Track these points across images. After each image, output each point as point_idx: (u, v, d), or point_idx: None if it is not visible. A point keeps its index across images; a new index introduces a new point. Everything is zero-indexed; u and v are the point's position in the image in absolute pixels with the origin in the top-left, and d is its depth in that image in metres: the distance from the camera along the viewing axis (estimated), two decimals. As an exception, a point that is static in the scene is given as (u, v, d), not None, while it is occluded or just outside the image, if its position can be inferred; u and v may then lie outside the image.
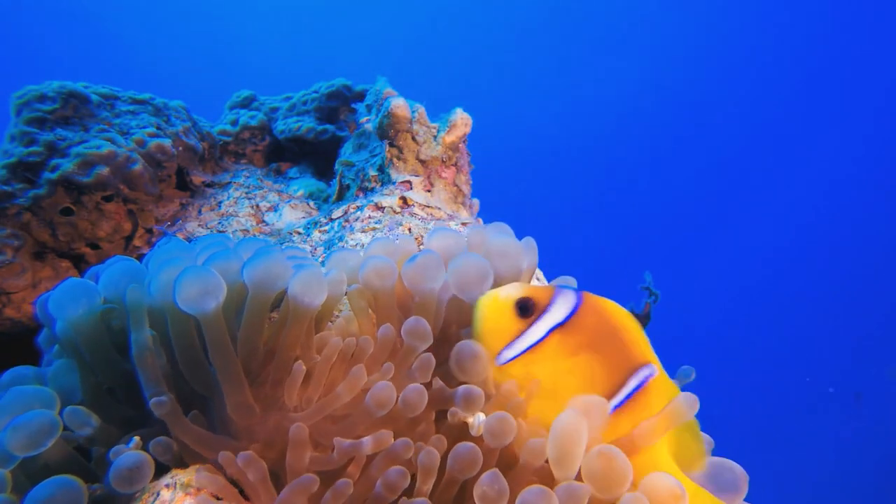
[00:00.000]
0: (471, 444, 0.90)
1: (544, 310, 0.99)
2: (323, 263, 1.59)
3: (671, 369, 1.34)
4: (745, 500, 1.00)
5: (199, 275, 0.93)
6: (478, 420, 0.95)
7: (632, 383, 0.96)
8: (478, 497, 0.87)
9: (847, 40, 23.09)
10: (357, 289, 1.11)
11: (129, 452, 0.89)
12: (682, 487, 0.89)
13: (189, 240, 1.83)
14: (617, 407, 0.96)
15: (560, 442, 0.87)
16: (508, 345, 0.98)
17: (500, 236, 1.19)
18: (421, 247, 1.49)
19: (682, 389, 1.26)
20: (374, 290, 1.09)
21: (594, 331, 0.98)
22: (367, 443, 0.93)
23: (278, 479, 0.96)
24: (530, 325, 0.98)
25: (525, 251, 1.20)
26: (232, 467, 0.91)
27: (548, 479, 0.91)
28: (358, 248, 1.61)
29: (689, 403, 0.93)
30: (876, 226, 21.54)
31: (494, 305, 1.00)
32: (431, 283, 1.06)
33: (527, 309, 0.99)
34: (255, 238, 1.82)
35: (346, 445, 0.93)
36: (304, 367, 0.97)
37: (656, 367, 0.98)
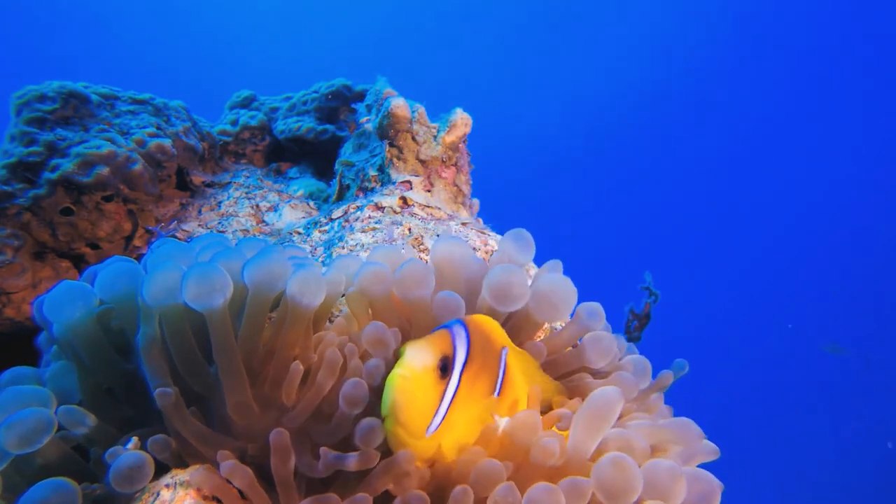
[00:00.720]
0: (496, 461, 0.90)
1: (453, 359, 0.98)
2: (324, 263, 1.59)
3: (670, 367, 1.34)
4: (746, 499, 1.00)
5: (207, 272, 0.93)
6: (501, 424, 0.99)
7: (502, 366, 1.07)
8: None
9: (846, 41, 23.09)
10: (355, 292, 1.12)
11: (130, 452, 0.88)
12: (680, 468, 0.92)
13: (188, 240, 1.83)
14: (500, 390, 1.04)
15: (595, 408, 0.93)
16: (436, 412, 0.96)
17: (553, 275, 1.19)
18: (421, 254, 1.50)
19: (677, 382, 1.29)
20: (370, 296, 1.10)
21: (481, 349, 1.02)
22: (353, 459, 0.90)
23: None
24: (448, 383, 0.97)
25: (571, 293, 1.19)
26: (224, 472, 0.91)
27: (551, 478, 0.91)
28: (358, 247, 1.61)
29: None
30: (875, 225, 21.54)
31: (418, 383, 0.95)
32: (420, 290, 1.08)
33: (446, 368, 0.97)
34: (257, 238, 1.82)
35: (332, 458, 0.91)
36: (301, 367, 0.97)
37: (507, 345, 1.09)
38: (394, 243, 1.59)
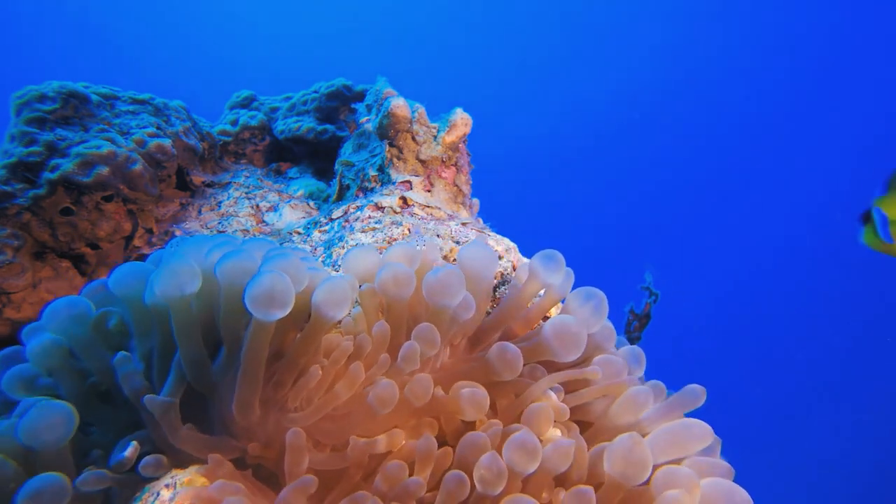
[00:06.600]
0: (493, 452, 0.90)
1: None
2: (324, 263, 1.59)
3: (672, 368, 1.34)
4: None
5: (274, 282, 0.90)
6: None
7: None
8: (477, 480, 0.89)
9: (846, 41, 23.10)
10: (370, 289, 1.09)
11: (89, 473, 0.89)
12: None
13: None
14: None
15: None
16: None
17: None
18: (454, 250, 1.48)
19: (676, 383, 1.32)
20: (389, 298, 1.06)
21: None
22: (382, 441, 0.96)
23: (275, 479, 0.97)
24: None
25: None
26: (218, 475, 0.91)
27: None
28: (358, 247, 1.61)
29: None
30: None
31: None
32: (450, 300, 1.03)
33: None
34: (271, 240, 1.82)
35: (363, 444, 0.94)
36: (320, 372, 0.97)
37: None
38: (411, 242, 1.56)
